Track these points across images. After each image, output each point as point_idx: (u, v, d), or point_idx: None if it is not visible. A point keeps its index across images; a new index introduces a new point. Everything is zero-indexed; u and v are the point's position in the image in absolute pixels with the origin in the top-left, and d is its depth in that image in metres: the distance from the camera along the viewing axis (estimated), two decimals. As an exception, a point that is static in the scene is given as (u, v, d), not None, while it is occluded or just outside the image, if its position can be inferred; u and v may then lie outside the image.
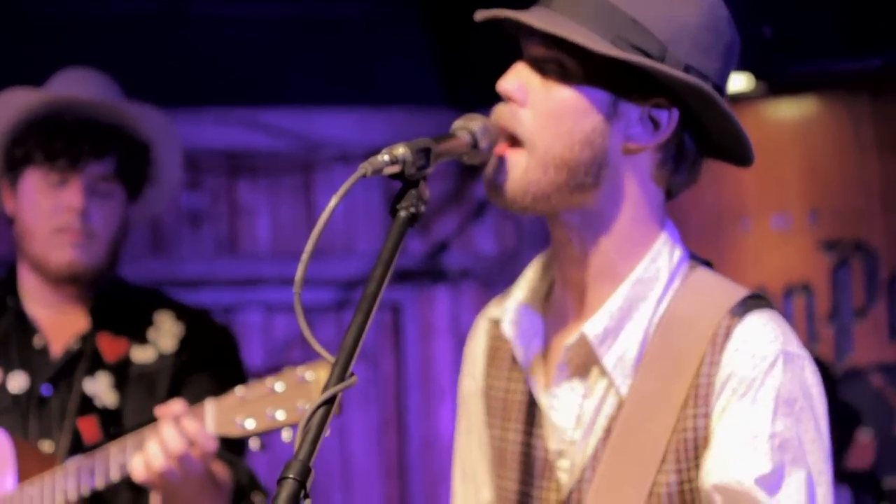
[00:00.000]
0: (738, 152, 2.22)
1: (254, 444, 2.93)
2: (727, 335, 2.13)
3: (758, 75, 4.60)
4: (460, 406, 2.45)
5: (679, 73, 2.11)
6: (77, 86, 3.42)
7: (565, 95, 2.13)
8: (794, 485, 2.08)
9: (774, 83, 4.78)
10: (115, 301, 3.40)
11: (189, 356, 3.34)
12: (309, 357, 2.82)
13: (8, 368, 3.33)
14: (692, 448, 2.12)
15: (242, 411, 2.89)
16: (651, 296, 2.19)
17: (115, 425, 3.26)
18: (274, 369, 2.97)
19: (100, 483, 3.01)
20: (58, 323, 3.37)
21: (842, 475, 4.61)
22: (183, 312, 3.42)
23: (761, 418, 2.09)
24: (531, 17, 2.13)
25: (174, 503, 2.97)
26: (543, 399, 2.25)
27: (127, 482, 3.04)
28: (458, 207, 5.27)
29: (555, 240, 2.24)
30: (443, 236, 5.26)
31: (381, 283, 1.91)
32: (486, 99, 2.30)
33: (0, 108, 3.37)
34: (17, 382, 3.32)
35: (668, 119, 2.15)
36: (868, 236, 4.85)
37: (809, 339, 4.90)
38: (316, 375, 2.84)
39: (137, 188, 3.41)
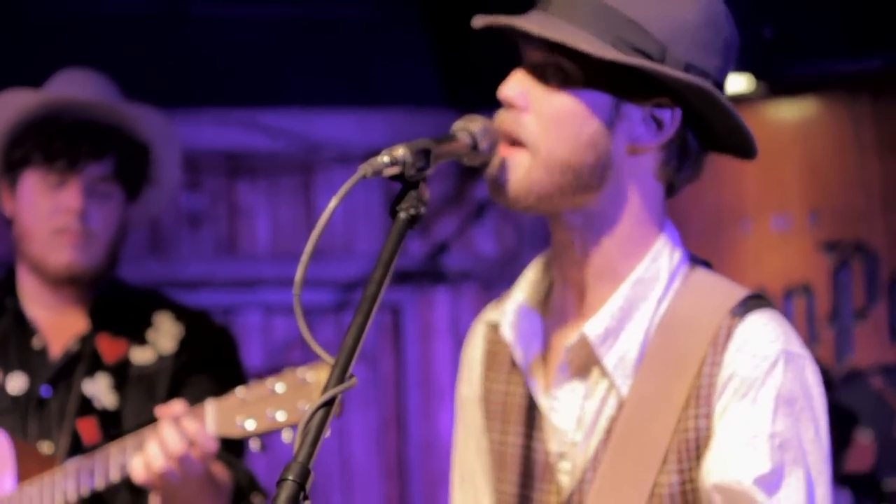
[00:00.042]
0: (741, 146, 2.22)
1: (254, 444, 2.93)
2: (728, 335, 2.13)
3: (758, 76, 4.60)
4: (458, 412, 2.45)
5: (681, 74, 2.11)
6: (76, 87, 3.42)
7: (568, 100, 2.13)
8: (793, 485, 2.08)
9: (775, 84, 4.78)
10: (115, 302, 3.40)
11: (188, 357, 3.34)
12: (308, 358, 2.82)
13: (7, 370, 3.32)
14: (693, 448, 2.12)
15: (243, 412, 2.89)
16: (651, 296, 2.19)
17: (115, 426, 3.26)
18: (273, 370, 2.97)
19: (99, 484, 3.01)
20: (57, 324, 3.37)
21: (842, 477, 4.60)
22: (182, 313, 3.42)
23: (761, 418, 2.09)
24: (530, 24, 2.12)
25: (173, 504, 2.98)
26: (544, 401, 2.25)
27: (126, 483, 3.03)
28: (458, 209, 5.27)
29: (556, 240, 2.23)
30: (443, 237, 5.26)
31: (381, 285, 1.90)
32: (487, 100, 2.29)
33: (-2, 109, 3.38)
34: (17, 384, 3.31)
35: (671, 118, 2.15)
36: (868, 237, 4.85)
37: (809, 341, 4.89)
38: (316, 376, 2.84)
39: (136, 189, 3.41)
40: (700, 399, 2.12)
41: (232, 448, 3.18)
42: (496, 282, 5.17)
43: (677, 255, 2.23)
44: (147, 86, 3.79)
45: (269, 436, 2.91)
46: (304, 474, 1.76)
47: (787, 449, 2.09)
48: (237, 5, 5.01)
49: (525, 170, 2.14)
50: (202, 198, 5.10)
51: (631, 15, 2.11)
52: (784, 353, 2.12)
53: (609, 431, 2.17)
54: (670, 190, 2.24)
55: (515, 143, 2.15)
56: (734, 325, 2.14)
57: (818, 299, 4.93)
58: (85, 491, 3.03)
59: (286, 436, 2.86)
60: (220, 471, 3.12)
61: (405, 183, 1.98)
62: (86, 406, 3.28)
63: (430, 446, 5.21)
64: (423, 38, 5.14)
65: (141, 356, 3.34)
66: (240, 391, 2.91)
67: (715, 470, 2.09)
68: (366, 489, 5.22)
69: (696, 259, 2.27)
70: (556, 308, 2.27)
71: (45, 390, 3.30)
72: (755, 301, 2.17)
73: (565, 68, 2.12)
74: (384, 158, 1.95)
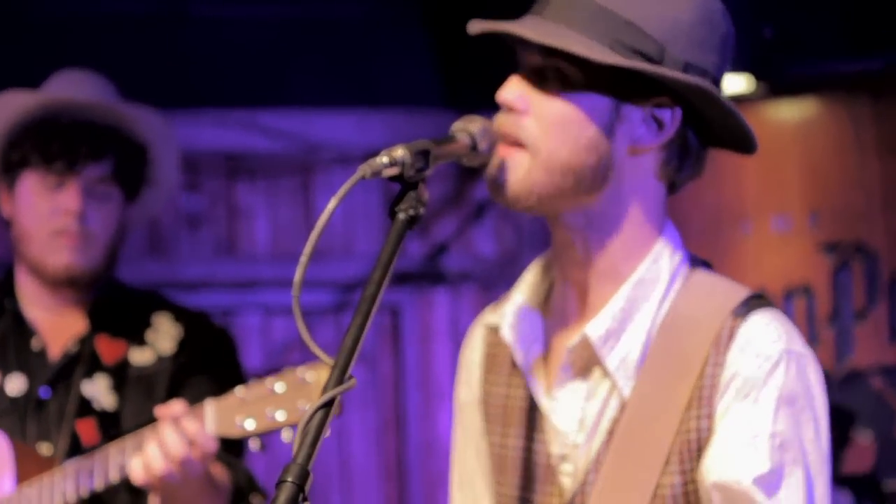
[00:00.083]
0: (741, 142, 2.21)
1: (254, 444, 2.93)
2: (731, 336, 2.13)
3: (758, 76, 4.60)
4: (456, 415, 2.44)
5: (680, 75, 2.11)
6: (73, 88, 3.41)
7: (567, 103, 2.13)
8: (792, 485, 2.08)
9: (775, 84, 4.77)
10: (114, 303, 3.40)
11: (187, 358, 3.34)
12: (308, 360, 2.82)
13: (6, 371, 3.32)
14: (696, 449, 2.12)
15: (242, 412, 2.89)
16: (653, 297, 2.19)
17: (114, 427, 3.26)
18: (273, 372, 2.97)
19: (99, 484, 3.01)
20: (56, 325, 3.36)
21: (842, 478, 4.60)
22: (181, 314, 3.42)
23: (763, 418, 2.09)
24: (527, 29, 2.12)
25: (173, 505, 2.97)
26: (545, 402, 2.24)
27: (126, 484, 3.03)
28: (457, 209, 5.27)
29: (556, 241, 2.23)
30: (442, 238, 5.25)
31: (380, 286, 1.90)
32: (486, 100, 2.29)
33: (-4, 110, 3.37)
34: (15, 385, 3.31)
35: (671, 118, 2.15)
36: (868, 238, 4.84)
37: (809, 341, 4.83)
38: (316, 376, 2.84)
39: (135, 190, 3.41)
40: (702, 400, 2.12)
41: (231, 448, 3.18)
42: (496, 283, 5.17)
43: (678, 255, 2.23)
44: (146, 86, 3.79)
45: (268, 435, 2.91)
46: (304, 476, 1.76)
47: (787, 449, 2.09)
48: (237, 6, 5.01)
49: (525, 170, 2.13)
50: (201, 199, 5.09)
51: (628, 16, 2.11)
52: (786, 352, 2.12)
53: (611, 433, 2.17)
54: (671, 188, 2.23)
55: (515, 143, 2.14)
56: (736, 326, 2.13)
57: (818, 300, 4.92)
58: (84, 492, 3.03)
59: (286, 435, 2.86)
60: (220, 471, 3.12)
61: (404, 184, 1.97)
62: (85, 407, 3.28)
63: (429, 447, 5.21)
64: (422, 39, 5.14)
65: (140, 357, 3.34)
66: (239, 391, 2.91)
67: (715, 468, 2.09)
68: (365, 490, 5.21)
69: (697, 259, 2.26)
70: (557, 309, 2.27)
71: (43, 391, 3.30)
72: (757, 301, 2.18)
73: (564, 72, 2.12)
74: (383, 159, 1.95)
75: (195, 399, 2.99)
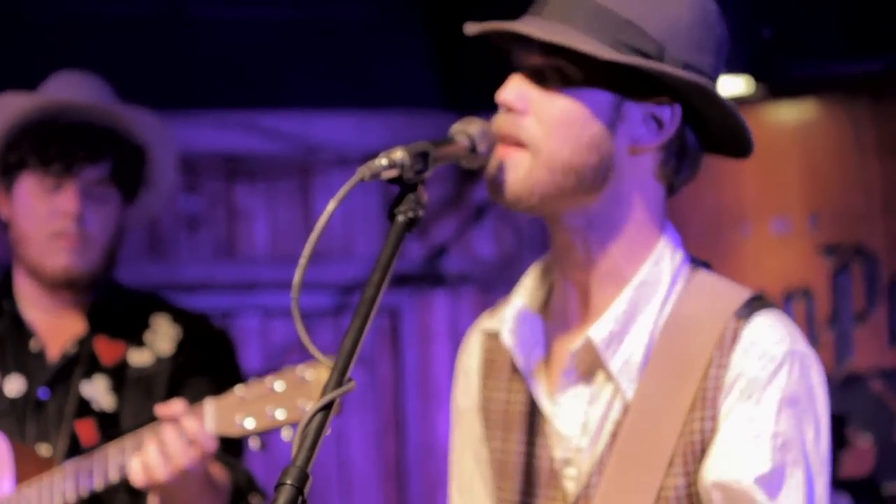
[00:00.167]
0: (738, 145, 2.21)
1: (254, 443, 2.93)
2: (735, 338, 2.13)
3: (757, 78, 4.59)
4: (454, 422, 2.43)
5: (683, 73, 2.11)
6: (71, 89, 3.41)
7: (569, 102, 2.12)
8: (793, 486, 2.08)
9: (774, 86, 4.77)
10: (112, 305, 3.40)
11: (186, 359, 3.34)
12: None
13: (5, 372, 3.32)
14: (699, 451, 2.11)
15: (242, 410, 2.89)
16: (655, 299, 2.18)
17: (113, 428, 3.26)
18: (272, 373, 2.97)
19: (98, 484, 3.01)
20: (54, 327, 3.36)
21: (841, 481, 4.59)
22: (180, 315, 3.42)
23: (765, 418, 2.09)
24: (530, 28, 2.12)
25: (172, 506, 2.97)
26: (548, 407, 2.23)
27: (125, 484, 3.03)
28: (456, 211, 5.27)
29: (556, 243, 2.22)
30: (441, 240, 5.25)
31: (380, 288, 1.90)
32: (486, 102, 2.29)
33: (-6, 113, 3.37)
34: (14, 386, 3.31)
35: (671, 117, 2.15)
36: (868, 240, 4.84)
37: (809, 344, 4.88)
38: (315, 374, 2.84)
39: (133, 191, 3.41)
40: (706, 401, 2.12)
41: (230, 449, 3.18)
42: (495, 285, 5.16)
43: (678, 256, 2.22)
44: (146, 88, 3.78)
45: (268, 434, 2.91)
46: (303, 478, 1.76)
47: (789, 449, 2.09)
48: (236, 7, 5.01)
49: (526, 170, 2.13)
50: (201, 200, 5.09)
51: (627, 16, 2.11)
52: (790, 353, 2.12)
53: (614, 436, 2.17)
54: (669, 191, 2.23)
55: (515, 143, 2.14)
56: (740, 327, 2.13)
57: (818, 302, 4.92)
58: (84, 492, 3.03)
59: (286, 434, 2.86)
60: (219, 471, 3.12)
61: (403, 186, 1.97)
62: (84, 408, 3.28)
63: (428, 449, 5.20)
64: (422, 41, 5.14)
65: (139, 358, 3.34)
66: (239, 389, 2.91)
67: (715, 468, 2.09)
68: (364, 493, 5.21)
69: (697, 260, 2.26)
70: (558, 312, 2.26)
71: (42, 392, 3.30)
72: (759, 302, 2.17)
73: (566, 71, 2.12)
74: (382, 161, 1.95)
75: (194, 400, 2.99)
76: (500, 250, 5.31)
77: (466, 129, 2.10)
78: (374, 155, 1.95)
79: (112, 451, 3.00)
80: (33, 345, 3.35)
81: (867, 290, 4.86)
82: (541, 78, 2.14)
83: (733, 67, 4.11)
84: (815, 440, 2.12)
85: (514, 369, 2.29)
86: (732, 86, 4.48)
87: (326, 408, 1.80)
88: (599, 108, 2.12)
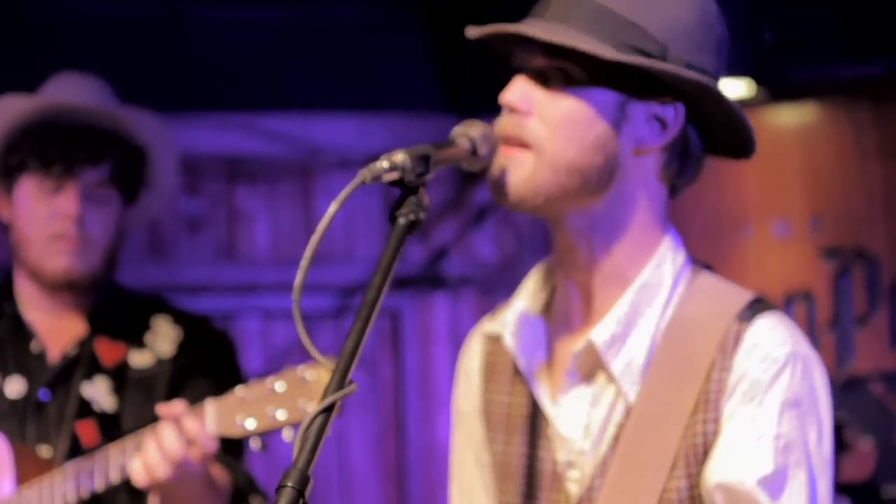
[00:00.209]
0: (741, 145, 2.21)
1: (254, 444, 2.93)
2: (737, 340, 2.13)
3: (759, 80, 4.59)
4: (455, 426, 2.43)
5: (687, 72, 2.11)
6: (71, 91, 3.41)
7: (574, 103, 2.12)
8: (796, 488, 2.09)
9: (775, 88, 4.76)
10: (113, 306, 3.40)
11: (187, 360, 3.34)
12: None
13: (5, 373, 3.33)
14: (702, 453, 2.12)
15: (243, 411, 2.89)
16: (656, 301, 2.18)
17: (114, 429, 3.27)
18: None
19: (99, 485, 3.02)
20: (55, 328, 3.37)
21: (841, 485, 4.59)
22: (181, 317, 3.43)
23: (767, 419, 2.09)
24: (533, 29, 2.12)
25: (172, 507, 2.97)
26: (550, 409, 2.23)
27: (125, 484, 3.03)
28: (457, 214, 5.26)
29: (559, 245, 2.22)
30: (442, 243, 5.25)
31: (381, 290, 1.90)
32: (487, 105, 2.29)
33: (-6, 115, 3.37)
34: (15, 387, 3.32)
35: (675, 117, 2.15)
36: (869, 243, 4.84)
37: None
38: (316, 374, 2.84)
39: (133, 193, 3.41)
40: (709, 403, 2.12)
41: (231, 450, 3.18)
42: (496, 287, 5.16)
43: (680, 258, 2.22)
44: (146, 89, 3.78)
45: (269, 435, 2.91)
46: (304, 481, 1.76)
47: (791, 451, 2.09)
48: (237, 8, 5.00)
49: (530, 170, 2.13)
50: (201, 202, 5.09)
51: (630, 17, 2.11)
52: (793, 355, 2.12)
53: (617, 438, 2.17)
54: (671, 192, 2.23)
55: (519, 144, 2.14)
56: (742, 330, 2.14)
57: (819, 305, 4.92)
58: (84, 492, 3.04)
59: (287, 434, 2.86)
60: (219, 472, 3.12)
61: (404, 188, 1.97)
62: (85, 409, 3.29)
63: (429, 452, 5.20)
64: (423, 43, 5.14)
65: (139, 359, 3.34)
66: (239, 390, 2.91)
67: (718, 469, 2.10)
68: (365, 495, 5.21)
69: (698, 262, 2.26)
70: (560, 314, 2.26)
71: (43, 394, 3.30)
72: (761, 304, 2.18)
73: (569, 72, 2.12)
74: (383, 164, 1.95)
75: (195, 401, 3.00)
76: (500, 252, 5.30)
77: (468, 132, 2.10)
78: (376, 157, 1.95)
79: (113, 452, 3.00)
80: (34, 346, 3.35)
81: (868, 293, 4.85)
82: (544, 79, 2.14)
83: (734, 70, 4.11)
84: (817, 442, 2.12)
85: (516, 372, 2.29)
86: (733, 88, 4.48)
87: (328, 410, 1.80)
88: (604, 107, 2.12)
